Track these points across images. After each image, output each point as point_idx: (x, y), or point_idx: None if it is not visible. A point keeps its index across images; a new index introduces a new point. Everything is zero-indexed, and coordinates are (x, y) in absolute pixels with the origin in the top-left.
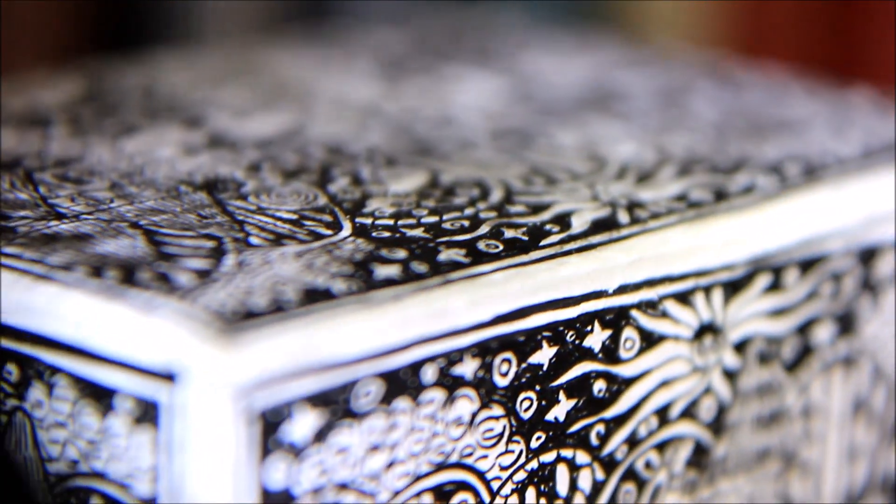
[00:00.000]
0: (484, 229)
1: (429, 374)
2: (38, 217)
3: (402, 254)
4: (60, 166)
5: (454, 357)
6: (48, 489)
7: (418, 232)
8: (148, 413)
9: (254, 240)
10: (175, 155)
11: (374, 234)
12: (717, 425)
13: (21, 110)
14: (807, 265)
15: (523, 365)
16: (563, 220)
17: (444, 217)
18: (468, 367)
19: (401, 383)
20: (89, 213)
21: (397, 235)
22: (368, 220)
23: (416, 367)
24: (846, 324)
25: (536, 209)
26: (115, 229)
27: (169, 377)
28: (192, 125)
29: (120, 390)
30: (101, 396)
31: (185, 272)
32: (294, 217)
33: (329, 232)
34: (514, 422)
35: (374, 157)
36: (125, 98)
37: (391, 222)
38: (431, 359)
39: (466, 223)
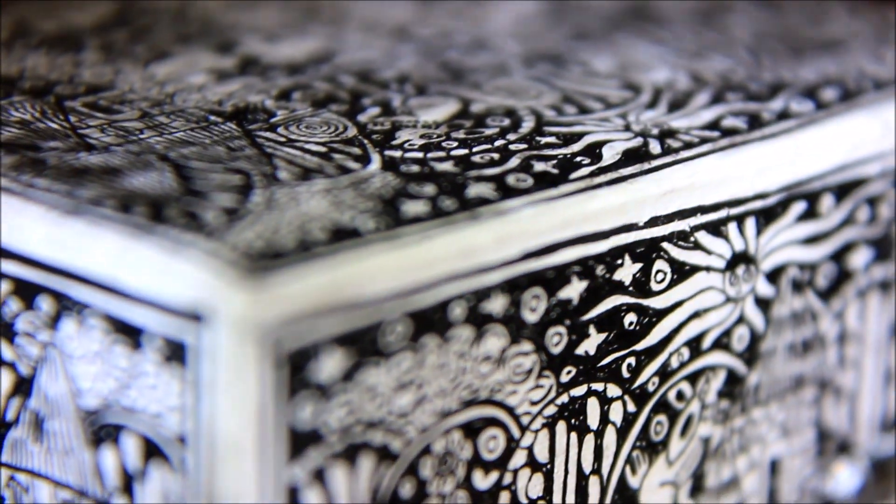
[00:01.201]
0: (514, 162)
1: (457, 311)
2: (68, 148)
3: (430, 189)
4: (91, 94)
5: (482, 294)
6: (80, 422)
7: (447, 165)
8: (176, 352)
9: (282, 174)
10: (206, 81)
11: (402, 167)
12: (750, 354)
13: (52, 33)
14: (842, 191)
15: (553, 300)
16: (593, 152)
17: (474, 149)
18: (497, 304)
19: (429, 321)
20: (119, 144)
21: (426, 169)
22: (398, 153)
23: (444, 304)
24: (882, 248)
25: (567, 140)
26: (145, 162)
27: (195, 318)
28: (223, 50)
29: (148, 329)
30: (130, 334)
31: (213, 209)
32: (323, 150)
33: (358, 165)
34: (543, 357)
35: (404, 85)
36: (157, 21)
37: (420, 155)
38: (460, 296)
39: (496, 156)
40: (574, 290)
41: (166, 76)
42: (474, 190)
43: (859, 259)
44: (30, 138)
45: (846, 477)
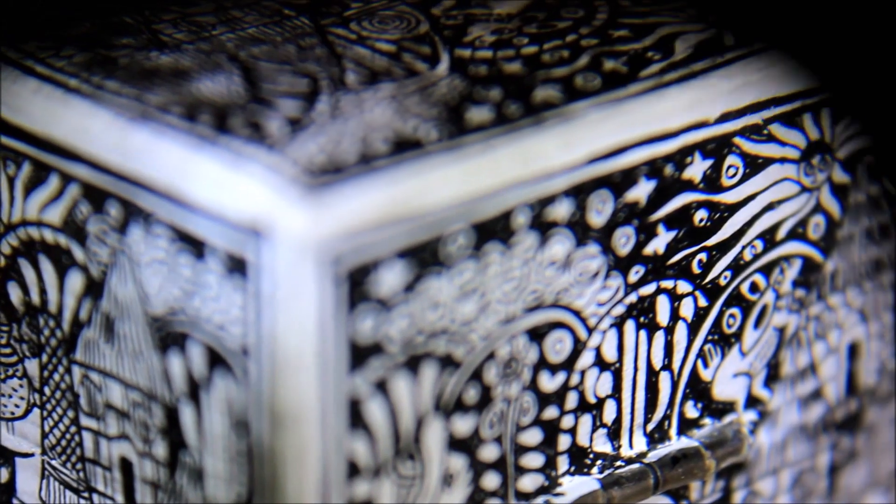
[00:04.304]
0: (583, 59)
1: (520, 218)
2: (140, 45)
3: (496, 94)
4: None
5: (547, 200)
6: (149, 327)
7: (516, 65)
8: (237, 265)
9: (349, 77)
10: None
11: (471, 67)
12: (827, 241)
13: None
14: None
15: (620, 202)
16: (666, 45)
17: (545, 46)
18: (561, 209)
19: (491, 230)
20: (190, 41)
21: (495, 70)
22: (467, 52)
23: (507, 213)
24: None
25: (640, 32)
26: (214, 63)
27: (255, 233)
28: None
29: (210, 241)
30: (194, 244)
31: (277, 118)
32: (393, 49)
33: (426, 65)
34: (611, 258)
35: None
36: None
37: (490, 53)
38: (523, 203)
39: (566, 53)
40: (642, 190)
41: None
42: (541, 92)
43: None
44: (103, 34)
45: None
